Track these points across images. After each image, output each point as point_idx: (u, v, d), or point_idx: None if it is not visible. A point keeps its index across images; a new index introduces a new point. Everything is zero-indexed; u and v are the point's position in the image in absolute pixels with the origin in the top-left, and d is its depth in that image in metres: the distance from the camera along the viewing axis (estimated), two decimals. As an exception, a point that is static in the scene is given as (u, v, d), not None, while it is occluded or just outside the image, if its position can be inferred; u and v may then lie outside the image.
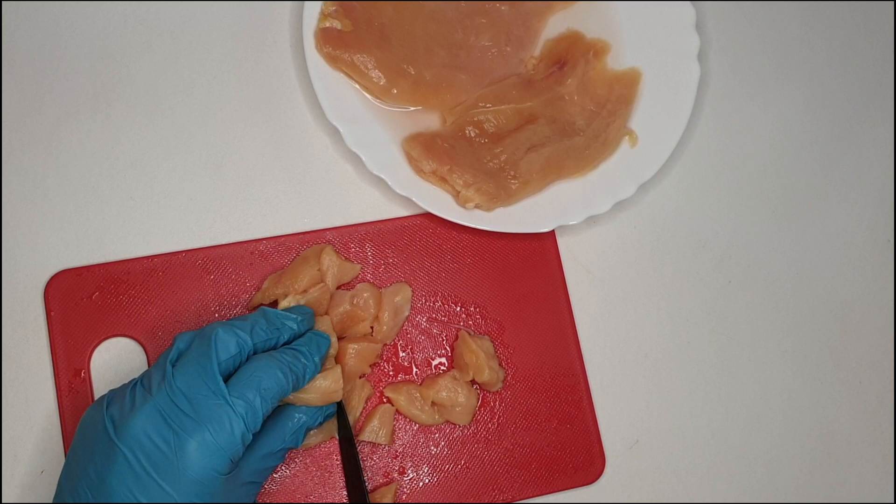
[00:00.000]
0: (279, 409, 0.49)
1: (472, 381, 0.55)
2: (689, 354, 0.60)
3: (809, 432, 0.60)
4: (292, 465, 0.53)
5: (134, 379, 0.45)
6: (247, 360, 0.45)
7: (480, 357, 0.54)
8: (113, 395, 0.45)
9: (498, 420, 0.55)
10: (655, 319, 0.60)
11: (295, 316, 0.49)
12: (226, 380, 0.44)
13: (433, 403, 0.54)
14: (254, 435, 0.44)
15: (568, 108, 0.60)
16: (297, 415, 0.49)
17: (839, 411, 0.61)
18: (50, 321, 0.52)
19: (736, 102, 0.65)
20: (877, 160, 0.66)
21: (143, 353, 0.53)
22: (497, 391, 0.56)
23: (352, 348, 0.53)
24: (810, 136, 0.65)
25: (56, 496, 0.44)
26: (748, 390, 0.60)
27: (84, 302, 0.52)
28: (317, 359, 0.48)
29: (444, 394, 0.54)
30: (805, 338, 0.62)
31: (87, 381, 0.52)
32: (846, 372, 0.62)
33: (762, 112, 0.65)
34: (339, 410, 0.53)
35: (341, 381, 0.49)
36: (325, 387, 0.49)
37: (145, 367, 0.53)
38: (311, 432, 0.52)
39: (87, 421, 0.44)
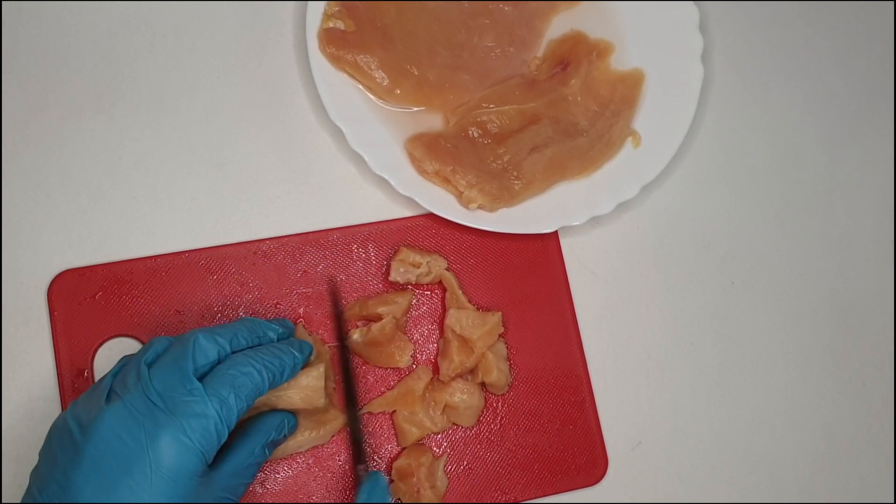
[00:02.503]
0: (247, 425, 0.47)
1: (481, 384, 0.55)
2: (691, 355, 0.60)
3: (812, 434, 0.60)
4: (294, 466, 0.52)
5: (101, 378, 0.45)
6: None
7: (489, 357, 0.54)
8: (79, 399, 0.44)
9: (501, 421, 0.55)
10: (658, 320, 0.60)
11: (276, 326, 0.49)
12: (201, 380, 0.43)
13: (445, 406, 0.54)
14: (223, 449, 0.43)
15: (571, 108, 0.60)
16: (269, 423, 0.48)
17: (842, 413, 0.61)
18: (53, 321, 0.52)
19: (739, 103, 0.65)
20: (880, 161, 0.66)
21: (146, 353, 0.53)
22: (502, 394, 0.55)
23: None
24: (813, 137, 0.65)
25: (25, 496, 0.43)
26: (751, 392, 0.60)
27: (87, 302, 0.52)
28: (297, 357, 0.47)
29: (458, 397, 0.53)
30: (808, 339, 0.62)
31: (91, 381, 0.51)
32: (849, 373, 0.62)
33: (765, 113, 0.65)
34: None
35: (323, 378, 0.48)
36: (305, 383, 0.48)
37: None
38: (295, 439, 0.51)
39: (53, 426, 0.43)
